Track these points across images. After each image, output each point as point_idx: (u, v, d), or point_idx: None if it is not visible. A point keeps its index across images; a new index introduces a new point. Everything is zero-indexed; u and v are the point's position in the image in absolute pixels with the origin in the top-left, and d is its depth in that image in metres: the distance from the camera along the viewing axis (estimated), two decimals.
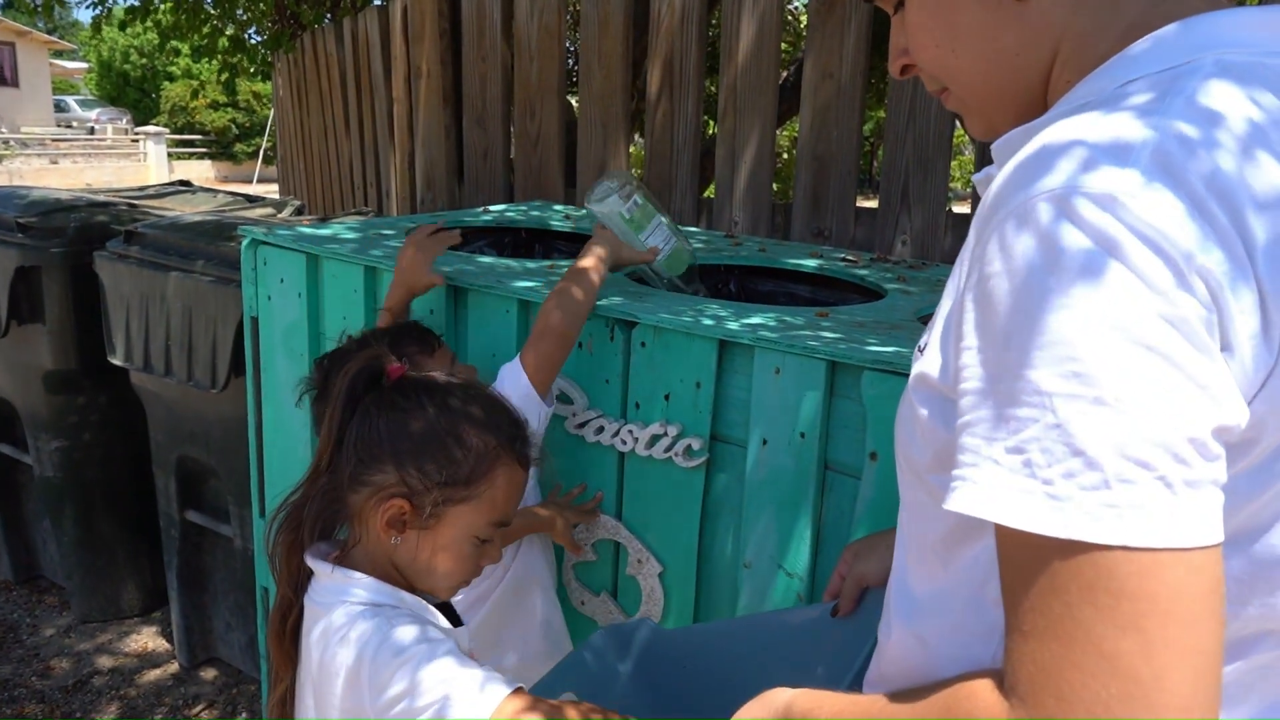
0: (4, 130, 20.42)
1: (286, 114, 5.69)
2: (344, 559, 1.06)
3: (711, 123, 3.02)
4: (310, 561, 1.06)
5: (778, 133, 2.73)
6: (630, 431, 1.55)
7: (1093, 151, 0.55)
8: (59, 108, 25.68)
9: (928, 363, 0.68)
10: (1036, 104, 0.73)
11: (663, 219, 1.74)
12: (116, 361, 2.67)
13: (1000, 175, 0.61)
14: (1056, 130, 0.59)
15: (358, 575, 1.03)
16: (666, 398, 1.53)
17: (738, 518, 1.50)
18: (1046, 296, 0.53)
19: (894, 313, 1.63)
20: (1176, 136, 0.55)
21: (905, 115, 2.47)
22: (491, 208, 2.61)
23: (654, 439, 1.53)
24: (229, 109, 22.90)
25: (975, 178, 0.77)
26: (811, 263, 2.09)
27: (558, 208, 2.78)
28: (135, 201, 3.15)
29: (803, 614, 1.28)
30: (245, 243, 2.06)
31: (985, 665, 0.68)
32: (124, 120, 24.61)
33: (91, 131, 23.04)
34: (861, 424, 1.36)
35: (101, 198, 3.03)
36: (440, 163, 3.54)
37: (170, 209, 3.12)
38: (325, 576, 1.05)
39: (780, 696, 0.80)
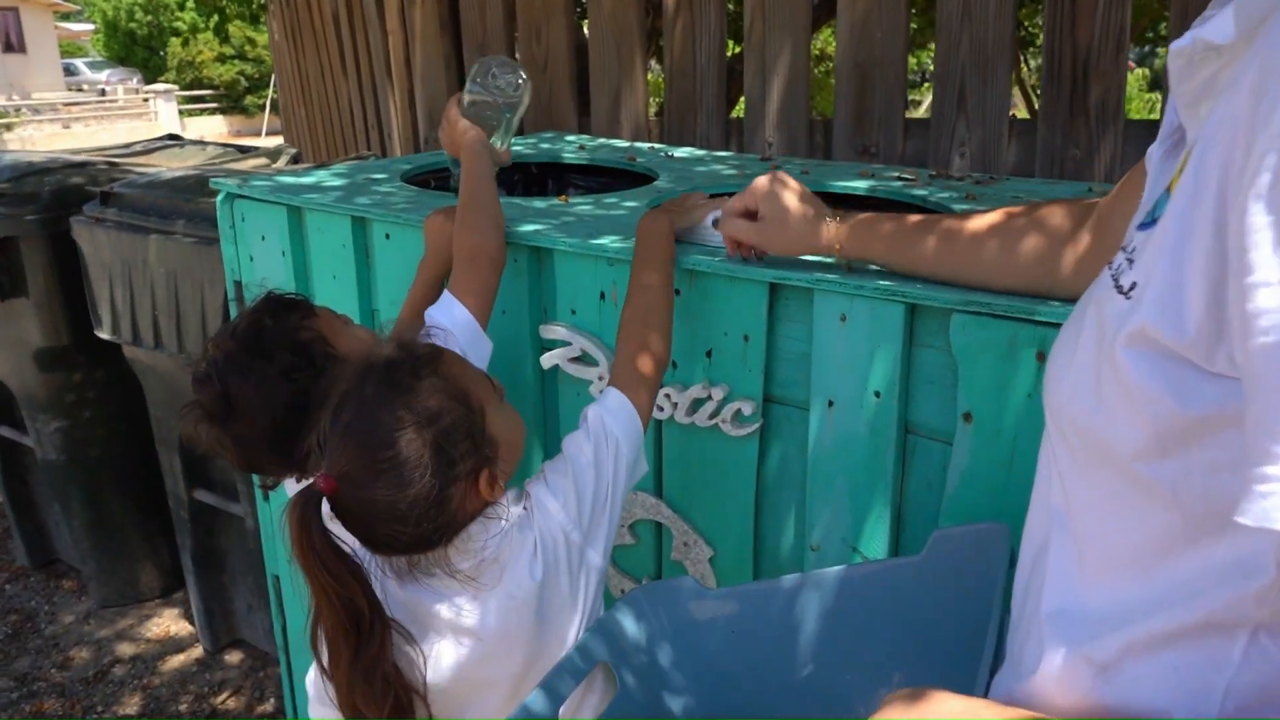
0: (16, 97, 20.22)
1: (284, 58, 5.41)
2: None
3: (736, 39, 2.73)
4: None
5: (813, 40, 2.44)
6: (667, 395, 1.31)
7: None
8: (69, 71, 25.38)
9: (1151, 310, 0.50)
10: None
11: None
12: (104, 335, 2.46)
13: None
14: None
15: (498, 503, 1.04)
16: (709, 354, 1.29)
17: (801, 493, 1.27)
18: None
19: None
20: None
21: (959, 11, 2.17)
22: None
23: (696, 404, 1.30)
24: (236, 61, 22.48)
25: (1176, 46, 0.55)
26: (862, 184, 1.82)
27: (570, 138, 2.51)
28: (118, 160, 2.92)
29: (869, 569, 1.09)
30: (220, 197, 1.82)
31: (1215, 700, 0.53)
32: (134, 80, 24.29)
33: (103, 93, 22.77)
34: (950, 378, 1.11)
35: (79, 158, 2.80)
36: (442, 97, 3.26)
37: (155, 165, 2.88)
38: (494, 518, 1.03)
39: (945, 705, 0.60)
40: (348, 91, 4.08)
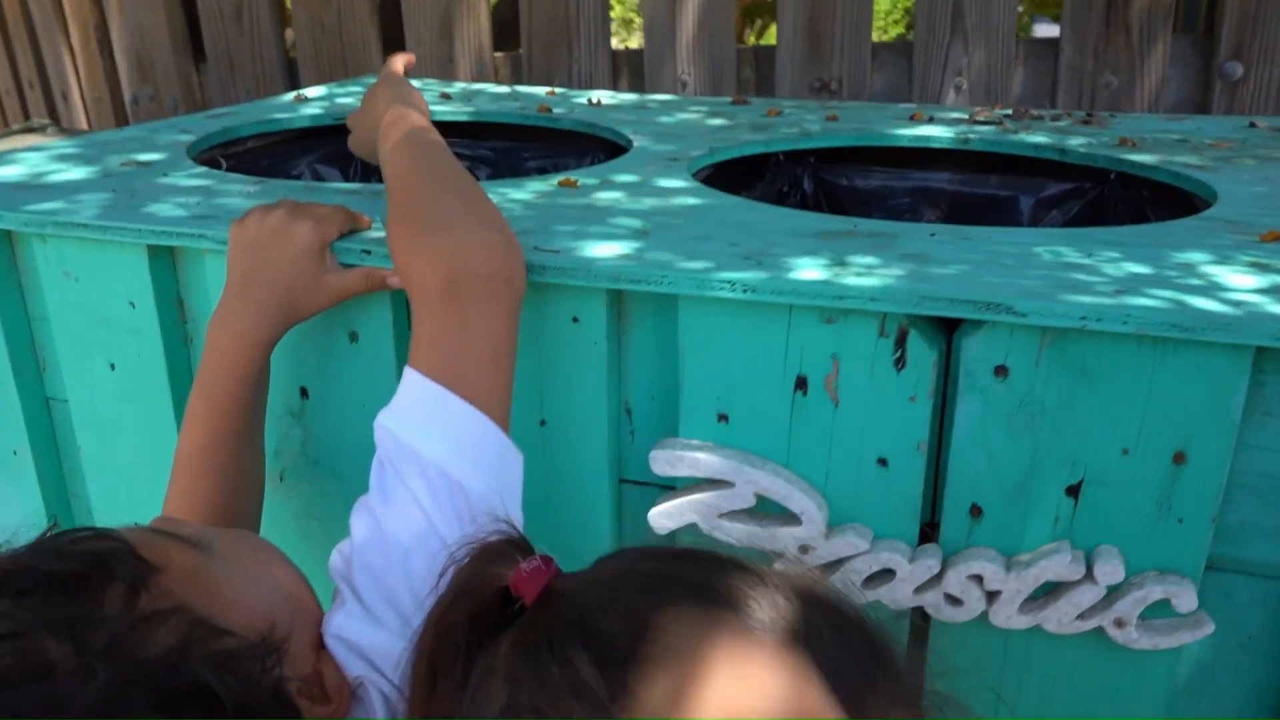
0: None
1: None
2: None
3: None
4: None
5: None
6: (977, 577, 0.65)
7: None
8: None
9: None
10: None
11: None
12: None
13: None
14: None
15: None
16: (1073, 492, 0.64)
17: None
18: None
19: None
20: None
21: None
22: (309, 93, 1.50)
23: (1043, 589, 0.65)
24: None
25: None
26: (939, 133, 1.22)
27: (432, 84, 1.70)
28: None
29: None
30: None
31: None
32: None
33: None
34: None
35: None
36: (158, 34, 2.25)
37: None
38: None
39: None
40: None
